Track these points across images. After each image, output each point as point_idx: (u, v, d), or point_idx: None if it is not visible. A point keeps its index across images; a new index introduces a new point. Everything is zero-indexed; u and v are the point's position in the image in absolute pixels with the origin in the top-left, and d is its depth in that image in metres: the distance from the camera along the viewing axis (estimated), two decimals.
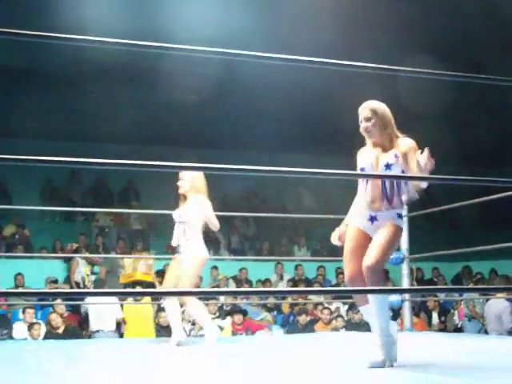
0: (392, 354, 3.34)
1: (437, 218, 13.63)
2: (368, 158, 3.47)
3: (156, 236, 12.62)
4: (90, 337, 8.05)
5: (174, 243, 4.94)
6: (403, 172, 3.37)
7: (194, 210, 4.85)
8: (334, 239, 3.67)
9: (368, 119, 3.45)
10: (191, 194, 4.91)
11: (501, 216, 11.89)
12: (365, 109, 3.48)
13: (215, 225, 4.92)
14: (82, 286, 9.61)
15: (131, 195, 13.58)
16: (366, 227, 3.43)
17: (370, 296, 3.34)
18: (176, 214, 4.94)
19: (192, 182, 4.88)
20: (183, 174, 4.92)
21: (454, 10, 10.79)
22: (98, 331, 8.20)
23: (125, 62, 10.61)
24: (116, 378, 3.18)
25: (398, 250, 5.84)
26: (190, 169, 4.20)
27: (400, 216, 3.43)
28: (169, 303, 4.83)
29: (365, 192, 3.44)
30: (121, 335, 8.24)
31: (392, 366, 3.29)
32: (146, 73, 11.35)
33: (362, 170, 3.47)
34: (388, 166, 3.39)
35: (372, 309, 3.35)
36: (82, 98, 12.29)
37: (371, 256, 3.28)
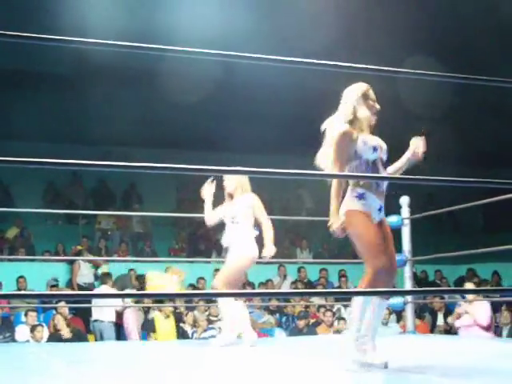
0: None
1: (439, 220, 13.63)
2: (371, 139, 3.31)
3: (158, 239, 12.64)
4: (89, 324, 8.25)
5: (224, 243, 4.96)
6: None
7: (243, 209, 4.85)
8: (337, 227, 3.30)
9: (376, 101, 3.37)
10: (238, 193, 4.92)
11: (503, 218, 11.87)
12: (371, 90, 3.35)
13: (265, 224, 4.86)
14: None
15: (133, 198, 13.60)
16: (377, 218, 3.31)
17: (375, 298, 3.30)
18: (226, 215, 4.94)
19: (238, 180, 4.90)
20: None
21: (455, 12, 10.79)
22: (96, 321, 8.38)
23: (124, 64, 10.62)
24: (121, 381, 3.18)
25: (400, 252, 5.83)
26: (192, 171, 4.19)
27: None
28: (224, 304, 4.81)
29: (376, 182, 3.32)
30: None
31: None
32: (146, 74, 11.36)
33: (375, 148, 3.28)
34: (386, 150, 3.37)
35: (373, 310, 3.29)
36: (82, 100, 12.31)
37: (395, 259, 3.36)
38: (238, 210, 4.87)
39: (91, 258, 10.33)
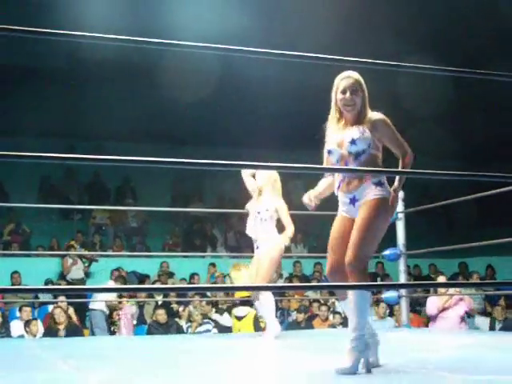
0: (376, 355, 3.11)
1: (434, 214, 13.66)
2: (334, 138, 3.16)
3: (153, 234, 12.63)
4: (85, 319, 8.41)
5: (249, 233, 5.10)
6: (370, 146, 3.08)
7: (269, 205, 4.97)
8: (309, 200, 3.39)
9: (354, 91, 3.10)
10: (266, 189, 5.02)
11: (497, 212, 11.90)
12: (349, 78, 3.13)
13: (288, 229, 4.95)
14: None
15: (127, 193, 13.57)
16: (350, 212, 3.16)
17: (349, 292, 3.06)
18: (252, 208, 5.05)
19: (268, 177, 5.01)
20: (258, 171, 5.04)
21: (452, 9, 10.79)
22: (89, 310, 8.62)
23: (123, 61, 10.61)
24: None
25: (395, 246, 5.85)
26: (186, 165, 4.18)
27: (380, 183, 3.10)
28: (262, 298, 4.89)
29: (335, 177, 3.23)
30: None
31: (369, 371, 2.97)
32: (145, 71, 11.35)
33: (330, 152, 3.17)
34: (353, 142, 3.07)
35: (351, 306, 3.04)
36: (81, 96, 12.28)
37: (349, 253, 3.01)
38: (263, 208, 4.98)
39: (86, 252, 10.31)
